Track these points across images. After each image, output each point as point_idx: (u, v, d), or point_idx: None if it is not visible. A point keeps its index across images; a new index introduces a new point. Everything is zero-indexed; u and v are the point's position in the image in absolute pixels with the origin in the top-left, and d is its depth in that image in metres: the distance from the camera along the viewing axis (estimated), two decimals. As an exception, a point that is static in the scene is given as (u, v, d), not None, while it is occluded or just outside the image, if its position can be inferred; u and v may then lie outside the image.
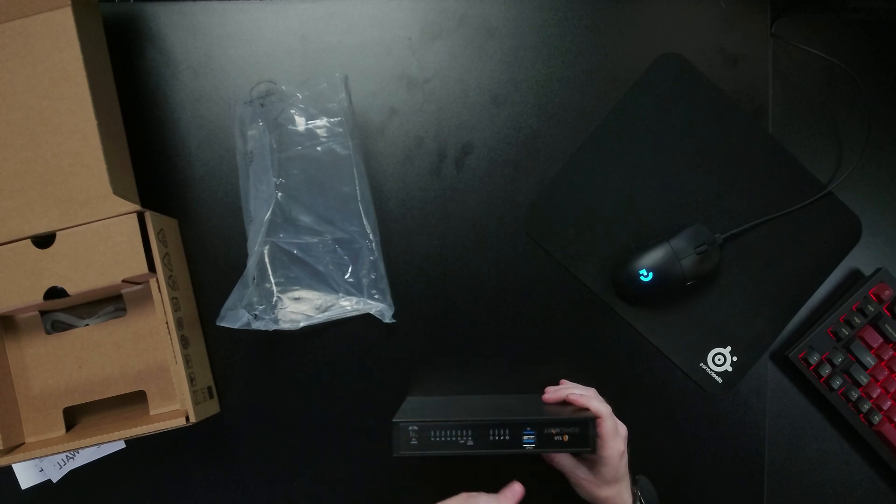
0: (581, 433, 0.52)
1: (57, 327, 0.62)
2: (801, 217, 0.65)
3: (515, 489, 0.55)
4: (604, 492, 0.54)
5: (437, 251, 0.65)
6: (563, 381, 0.63)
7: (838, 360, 0.65)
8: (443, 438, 0.53)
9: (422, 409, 0.59)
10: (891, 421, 0.65)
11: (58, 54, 0.55)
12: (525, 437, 0.53)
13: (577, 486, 0.56)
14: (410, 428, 0.53)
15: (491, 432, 0.53)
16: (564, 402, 0.56)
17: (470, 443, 0.53)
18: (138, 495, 0.64)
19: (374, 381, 0.64)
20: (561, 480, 0.58)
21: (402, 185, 0.65)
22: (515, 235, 0.65)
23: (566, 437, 0.53)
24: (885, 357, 0.65)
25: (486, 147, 0.65)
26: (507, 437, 0.53)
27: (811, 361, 0.65)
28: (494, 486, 0.64)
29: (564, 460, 0.56)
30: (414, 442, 0.53)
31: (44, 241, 0.55)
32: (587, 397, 0.55)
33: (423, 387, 0.64)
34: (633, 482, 0.57)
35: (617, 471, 0.54)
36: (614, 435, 0.53)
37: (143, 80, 0.65)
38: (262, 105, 0.61)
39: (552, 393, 0.58)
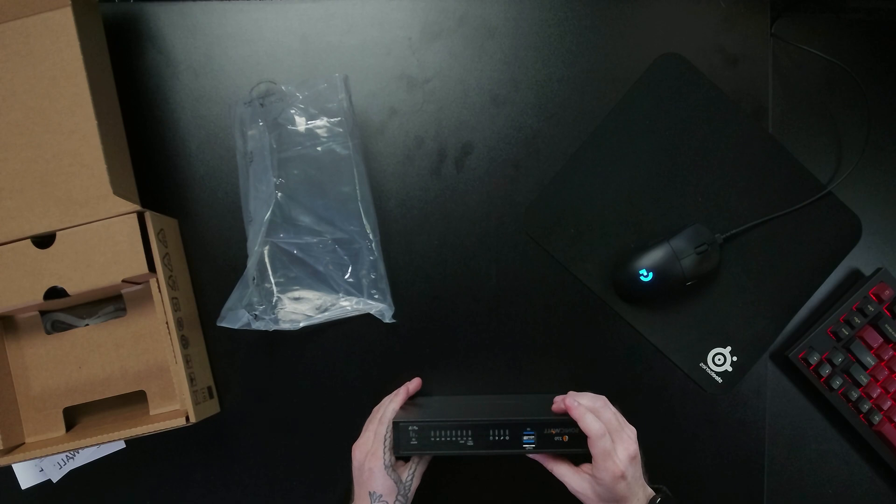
0: (581, 434, 0.52)
1: (57, 327, 0.62)
2: (801, 217, 0.65)
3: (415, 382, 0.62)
4: None
5: (437, 251, 0.65)
6: (570, 393, 0.60)
7: (838, 360, 0.65)
8: (443, 438, 0.53)
9: (422, 409, 0.59)
10: (891, 421, 0.65)
11: (58, 54, 0.55)
12: (525, 438, 0.53)
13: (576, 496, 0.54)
14: (410, 428, 0.53)
15: (491, 432, 0.53)
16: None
17: (470, 443, 0.53)
18: (138, 495, 0.64)
19: (374, 381, 0.64)
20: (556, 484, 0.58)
21: (402, 185, 0.65)
22: (515, 235, 0.65)
23: (566, 438, 0.52)
24: (885, 357, 0.65)
25: (486, 147, 0.65)
26: (507, 438, 0.53)
27: (811, 361, 0.65)
28: (495, 486, 0.64)
29: (566, 475, 0.53)
30: (414, 442, 0.53)
31: (44, 241, 0.55)
32: (582, 412, 0.52)
33: (423, 387, 0.64)
34: (651, 502, 0.53)
35: (611, 492, 0.51)
36: (606, 456, 0.50)
37: (143, 80, 0.65)
38: (262, 105, 0.61)
39: (558, 402, 0.54)
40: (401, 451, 0.53)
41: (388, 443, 0.54)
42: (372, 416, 0.59)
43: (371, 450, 0.54)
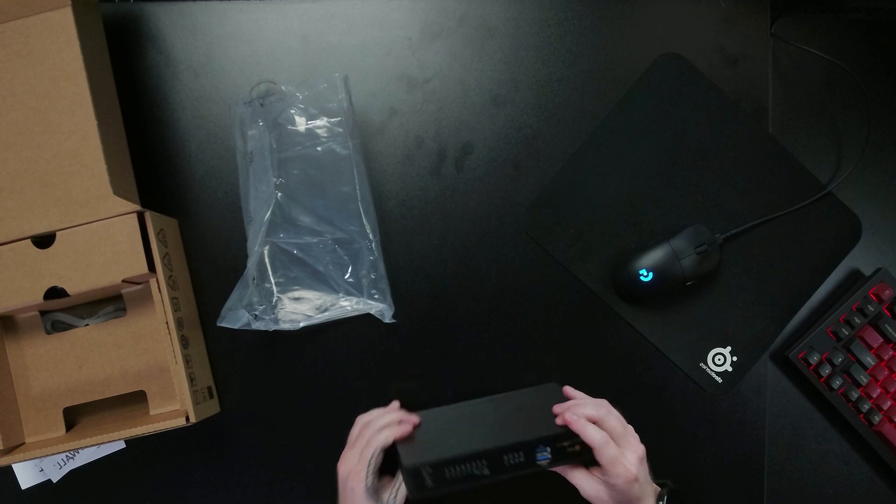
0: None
1: (57, 327, 0.62)
2: (801, 217, 0.65)
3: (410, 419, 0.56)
4: None
5: (437, 251, 0.65)
6: (566, 388, 0.59)
7: (838, 360, 0.65)
8: (459, 474, 0.51)
9: (420, 435, 0.56)
10: (891, 421, 0.65)
11: (58, 54, 0.55)
12: (539, 455, 0.51)
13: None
14: (424, 471, 0.50)
15: (505, 457, 0.51)
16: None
17: (486, 472, 0.51)
18: (138, 495, 0.64)
19: (374, 381, 0.64)
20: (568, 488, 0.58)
21: (402, 185, 0.65)
22: (515, 235, 0.65)
23: (579, 447, 0.51)
24: (885, 357, 0.65)
25: (486, 147, 0.65)
26: (523, 459, 0.51)
27: (811, 361, 0.65)
28: (501, 496, 0.64)
29: (582, 481, 0.53)
30: (430, 484, 0.50)
31: (44, 241, 0.55)
32: (582, 425, 0.51)
33: (423, 387, 0.64)
34: (659, 497, 0.53)
35: (626, 495, 0.51)
36: (616, 462, 0.50)
37: (143, 80, 0.65)
38: (262, 105, 0.61)
39: (560, 416, 0.53)
40: (419, 494, 0.50)
41: (371, 466, 0.52)
42: (360, 434, 0.56)
43: (354, 470, 0.53)
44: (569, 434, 0.51)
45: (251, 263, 0.60)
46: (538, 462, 0.51)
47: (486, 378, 0.65)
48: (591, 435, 0.51)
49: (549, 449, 0.51)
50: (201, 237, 0.65)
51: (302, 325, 0.61)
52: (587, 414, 0.52)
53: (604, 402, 0.55)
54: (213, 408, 0.62)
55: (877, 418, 0.65)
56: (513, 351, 0.65)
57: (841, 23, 0.69)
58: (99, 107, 0.55)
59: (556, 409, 0.54)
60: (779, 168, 0.66)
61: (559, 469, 0.54)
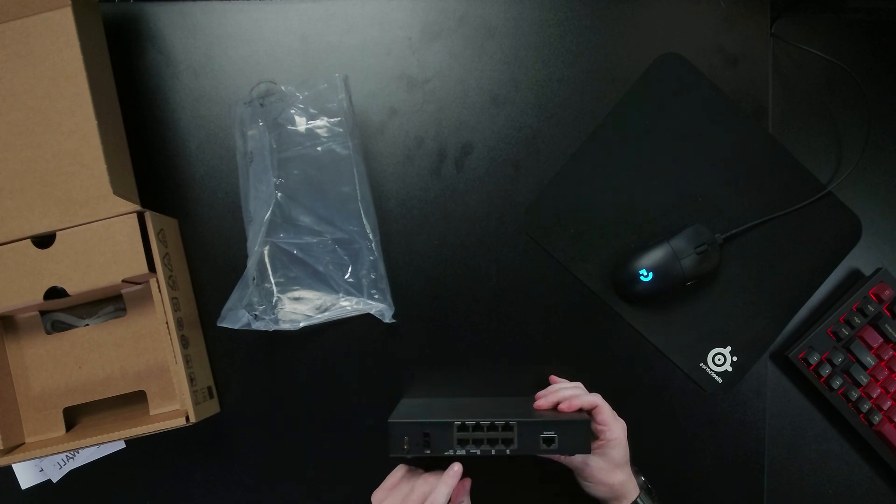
0: (576, 431, 0.51)
1: (57, 327, 0.62)
2: (801, 217, 0.65)
3: (455, 470, 0.53)
4: (617, 477, 0.54)
5: (437, 251, 0.65)
6: (552, 377, 0.63)
7: (838, 360, 0.65)
8: (438, 440, 0.52)
9: (416, 410, 0.57)
10: (891, 421, 0.65)
11: (58, 54, 0.55)
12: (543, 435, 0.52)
13: (588, 480, 0.55)
14: (405, 430, 0.52)
15: (497, 426, 0.51)
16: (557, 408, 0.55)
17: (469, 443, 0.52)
18: (138, 495, 0.64)
19: (374, 381, 0.64)
20: (562, 480, 0.58)
21: (402, 185, 0.65)
22: (515, 235, 0.65)
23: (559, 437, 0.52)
24: (885, 357, 0.65)
25: (486, 147, 0.65)
26: (509, 436, 0.52)
27: (811, 361, 0.65)
28: (489, 485, 0.64)
29: (576, 456, 0.55)
30: (406, 447, 0.52)
31: (44, 241, 0.55)
32: (577, 397, 0.55)
33: (422, 387, 0.64)
34: (636, 472, 0.57)
35: (626, 450, 0.55)
36: (615, 417, 0.55)
37: (143, 80, 0.65)
38: (262, 105, 0.61)
39: (543, 399, 0.56)
40: (395, 453, 0.52)
41: None
42: (410, 489, 0.53)
43: None
44: (551, 424, 0.51)
45: (251, 263, 0.60)
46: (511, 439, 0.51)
47: (486, 378, 0.65)
48: (589, 400, 0.55)
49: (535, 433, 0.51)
50: (201, 237, 0.65)
51: (302, 325, 0.61)
52: (567, 395, 0.56)
53: (580, 385, 0.59)
54: (213, 408, 0.62)
55: (877, 418, 0.65)
56: (513, 351, 0.65)
57: (841, 23, 0.69)
58: (99, 107, 0.55)
59: (540, 394, 0.57)
60: (779, 168, 0.66)
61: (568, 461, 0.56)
